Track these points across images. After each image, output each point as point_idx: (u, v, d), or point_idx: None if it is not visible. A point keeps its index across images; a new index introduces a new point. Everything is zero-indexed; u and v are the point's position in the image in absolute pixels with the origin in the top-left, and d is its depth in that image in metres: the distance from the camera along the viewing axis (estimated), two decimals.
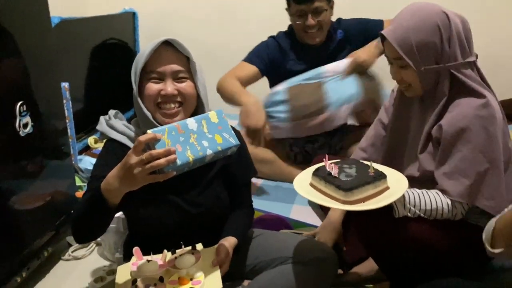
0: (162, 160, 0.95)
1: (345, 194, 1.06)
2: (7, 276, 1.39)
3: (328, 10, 1.96)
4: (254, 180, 1.96)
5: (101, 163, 1.22)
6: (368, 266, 1.52)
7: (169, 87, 1.16)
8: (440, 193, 1.19)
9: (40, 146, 1.54)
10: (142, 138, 0.96)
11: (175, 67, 1.18)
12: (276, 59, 2.05)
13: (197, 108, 1.23)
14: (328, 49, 2.04)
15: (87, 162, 2.10)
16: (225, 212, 1.30)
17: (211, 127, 1.06)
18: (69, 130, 2.01)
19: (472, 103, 1.17)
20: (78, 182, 1.95)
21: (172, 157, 0.95)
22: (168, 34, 1.20)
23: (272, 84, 2.09)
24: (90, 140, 2.35)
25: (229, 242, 1.20)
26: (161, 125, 1.10)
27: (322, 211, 1.68)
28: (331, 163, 1.16)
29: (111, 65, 2.68)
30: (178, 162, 0.97)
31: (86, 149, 2.33)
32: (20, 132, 1.38)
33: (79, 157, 2.15)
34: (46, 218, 1.61)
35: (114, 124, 1.24)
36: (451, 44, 1.19)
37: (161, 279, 1.07)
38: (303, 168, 1.97)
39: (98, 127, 1.26)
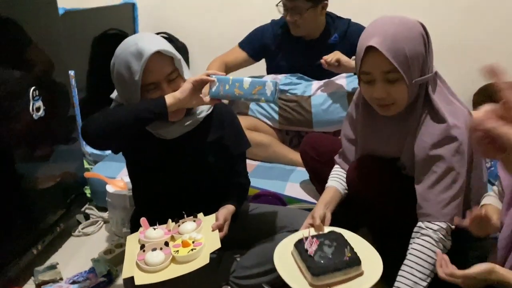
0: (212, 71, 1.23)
1: (312, 278, 1.07)
2: (26, 248, 1.52)
3: (310, 11, 1.96)
4: (250, 162, 2.06)
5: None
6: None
7: (169, 93, 1.23)
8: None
9: (51, 129, 1.66)
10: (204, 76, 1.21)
11: (167, 71, 1.23)
12: (269, 46, 2.14)
13: None
14: (318, 48, 2.04)
15: None
16: (221, 182, 1.40)
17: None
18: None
19: (440, 128, 1.17)
20: (85, 165, 2.07)
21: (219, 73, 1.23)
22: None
23: (269, 68, 2.21)
24: None
25: (227, 209, 1.32)
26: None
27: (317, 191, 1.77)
28: (313, 237, 1.16)
29: (112, 55, 2.77)
30: (221, 76, 1.21)
31: None
32: (34, 115, 1.50)
33: (84, 142, 2.26)
34: (57, 197, 1.74)
35: None
36: (430, 55, 1.17)
37: (166, 244, 1.19)
38: (298, 151, 2.13)
39: (112, 95, 1.35)
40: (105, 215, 1.92)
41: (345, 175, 1.43)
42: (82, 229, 1.85)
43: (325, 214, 1.31)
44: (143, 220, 1.28)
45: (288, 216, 1.46)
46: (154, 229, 1.26)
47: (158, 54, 1.21)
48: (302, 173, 1.95)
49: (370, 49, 1.13)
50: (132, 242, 1.26)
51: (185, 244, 1.17)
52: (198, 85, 1.22)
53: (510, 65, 2.39)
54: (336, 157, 1.49)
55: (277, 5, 2.02)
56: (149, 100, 1.23)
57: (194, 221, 1.27)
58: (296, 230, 1.39)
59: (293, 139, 2.24)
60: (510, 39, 2.52)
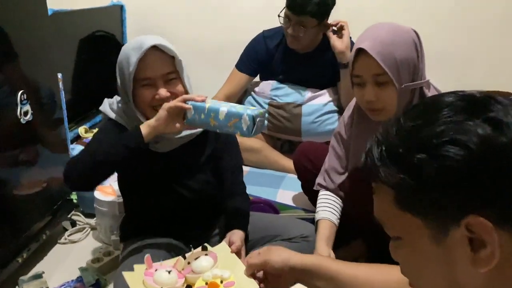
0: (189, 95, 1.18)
1: None
2: (11, 256, 1.47)
3: (315, 28, 1.92)
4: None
5: (100, 136, 1.32)
6: (355, 247, 1.58)
7: (162, 91, 1.21)
8: None
9: (39, 134, 1.61)
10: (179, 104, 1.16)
11: (165, 70, 1.22)
12: (264, 61, 2.11)
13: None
14: (311, 62, 2.02)
15: (79, 151, 2.17)
16: (215, 196, 1.39)
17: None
18: None
19: None
20: None
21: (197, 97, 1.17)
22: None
23: (263, 77, 2.19)
24: (81, 130, 2.40)
25: (240, 237, 1.27)
26: None
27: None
28: None
29: (99, 57, 2.73)
30: (197, 103, 1.15)
31: (77, 139, 2.38)
32: (21, 120, 1.45)
33: (71, 146, 2.21)
34: (43, 203, 1.68)
35: (114, 107, 1.33)
36: (422, 62, 1.19)
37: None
38: (289, 157, 2.13)
39: (101, 108, 1.34)
40: (92, 221, 1.87)
41: (333, 200, 1.39)
42: (69, 236, 1.81)
43: (330, 254, 1.28)
44: (147, 258, 1.11)
45: (282, 225, 1.45)
46: (169, 272, 1.06)
47: (158, 50, 1.20)
48: (293, 180, 1.95)
49: (361, 51, 1.17)
50: (134, 281, 1.07)
51: (212, 286, 1.00)
52: (173, 112, 1.17)
53: (499, 73, 2.44)
54: (321, 179, 1.44)
55: (279, 15, 1.96)
56: (126, 134, 1.21)
57: (206, 254, 1.12)
58: (290, 239, 1.38)
59: (283, 145, 2.23)
60: (497, 48, 2.54)
